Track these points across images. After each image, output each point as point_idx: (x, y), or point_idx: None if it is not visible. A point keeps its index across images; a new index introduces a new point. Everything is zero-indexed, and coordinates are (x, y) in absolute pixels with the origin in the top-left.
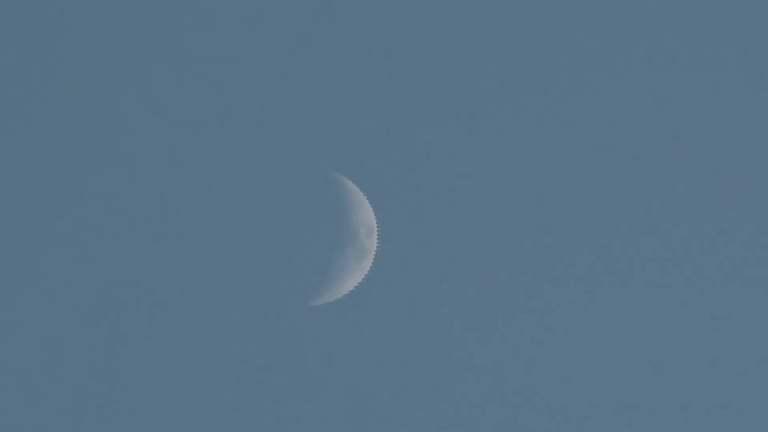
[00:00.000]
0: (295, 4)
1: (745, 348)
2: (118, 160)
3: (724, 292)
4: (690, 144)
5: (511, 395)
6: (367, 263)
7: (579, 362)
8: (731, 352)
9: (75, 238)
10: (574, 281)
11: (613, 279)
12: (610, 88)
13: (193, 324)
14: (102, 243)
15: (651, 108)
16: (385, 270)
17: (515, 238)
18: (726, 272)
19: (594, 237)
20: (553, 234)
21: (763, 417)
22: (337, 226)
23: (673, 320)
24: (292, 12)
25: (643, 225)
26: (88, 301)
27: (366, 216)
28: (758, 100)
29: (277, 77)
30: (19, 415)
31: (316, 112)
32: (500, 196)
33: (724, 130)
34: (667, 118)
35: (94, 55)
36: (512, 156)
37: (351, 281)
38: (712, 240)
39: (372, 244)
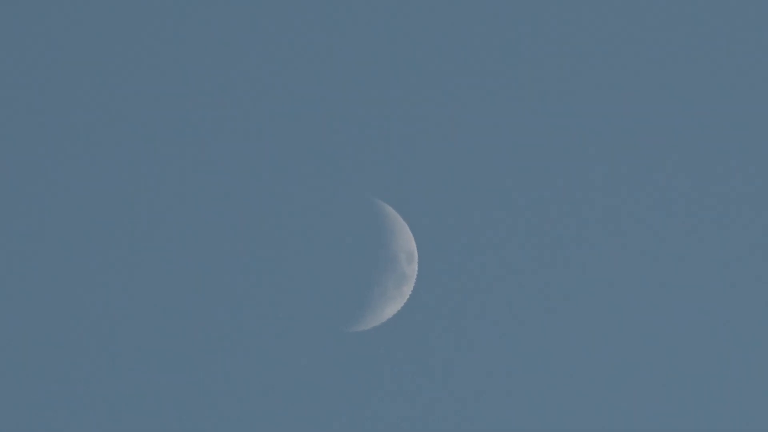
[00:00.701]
0: (341, 29)
1: (743, 348)
2: (149, 180)
3: (723, 288)
4: (689, 141)
5: (552, 417)
6: (408, 289)
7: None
8: (730, 349)
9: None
10: (624, 306)
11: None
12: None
13: (233, 351)
14: (136, 264)
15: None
16: (426, 296)
17: (558, 265)
18: (726, 268)
19: (642, 265)
20: (598, 260)
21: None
22: (377, 252)
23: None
24: (332, 36)
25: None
26: (121, 324)
27: (406, 242)
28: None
29: (316, 105)
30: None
31: (355, 138)
32: (543, 223)
33: (723, 129)
34: (667, 117)
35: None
36: (557, 183)
37: (391, 308)
38: (711, 238)
39: (412, 270)
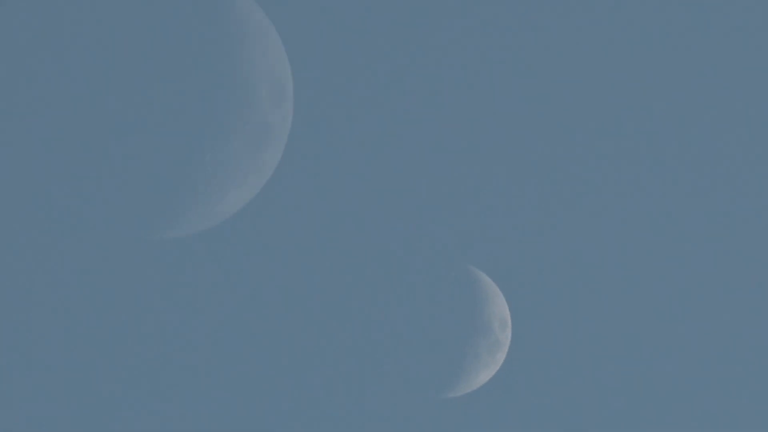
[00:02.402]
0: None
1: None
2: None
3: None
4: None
5: None
6: (501, 356)
7: None
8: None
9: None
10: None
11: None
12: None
13: (326, 416)
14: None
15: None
16: (519, 363)
17: (652, 328)
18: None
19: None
20: (695, 321)
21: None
22: (470, 318)
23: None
24: (435, 106)
25: None
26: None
27: (500, 309)
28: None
29: (410, 173)
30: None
31: (451, 205)
32: (632, 290)
33: (723, 129)
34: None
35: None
36: (650, 254)
37: (484, 374)
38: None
39: (506, 337)
